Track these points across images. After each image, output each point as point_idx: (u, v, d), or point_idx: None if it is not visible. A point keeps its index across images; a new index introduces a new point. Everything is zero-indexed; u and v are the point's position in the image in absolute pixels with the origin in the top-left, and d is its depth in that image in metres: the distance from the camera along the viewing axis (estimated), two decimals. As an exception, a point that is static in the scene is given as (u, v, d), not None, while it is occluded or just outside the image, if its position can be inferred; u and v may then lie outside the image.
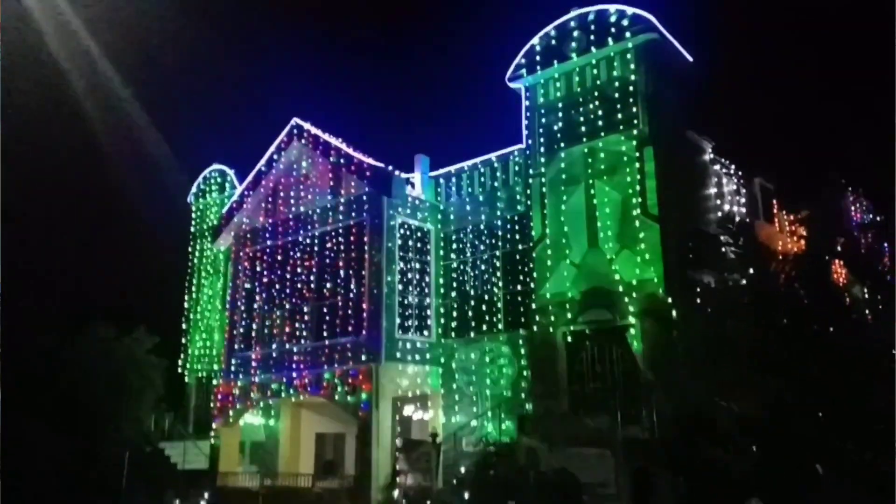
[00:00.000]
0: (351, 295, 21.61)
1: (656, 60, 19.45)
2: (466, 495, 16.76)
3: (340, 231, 22.40)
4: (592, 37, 19.94)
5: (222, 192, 29.38)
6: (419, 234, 22.69)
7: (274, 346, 23.24)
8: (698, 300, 17.35)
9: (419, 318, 22.01)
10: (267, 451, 24.38)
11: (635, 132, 18.86)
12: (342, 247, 22.25)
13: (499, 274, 21.69)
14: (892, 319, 17.12)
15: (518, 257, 21.34)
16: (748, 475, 13.81)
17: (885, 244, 25.14)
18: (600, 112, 19.57)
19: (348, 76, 70.83)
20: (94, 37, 24.07)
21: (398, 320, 21.23)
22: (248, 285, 24.70)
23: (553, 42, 20.67)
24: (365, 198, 22.01)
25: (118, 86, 28.49)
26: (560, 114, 20.38)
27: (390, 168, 21.78)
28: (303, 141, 23.95)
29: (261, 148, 25.14)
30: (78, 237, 38.32)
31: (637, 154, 18.64)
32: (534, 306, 19.88)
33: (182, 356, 28.56)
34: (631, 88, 19.22)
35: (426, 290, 22.45)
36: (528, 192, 20.94)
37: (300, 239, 23.42)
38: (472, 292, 22.09)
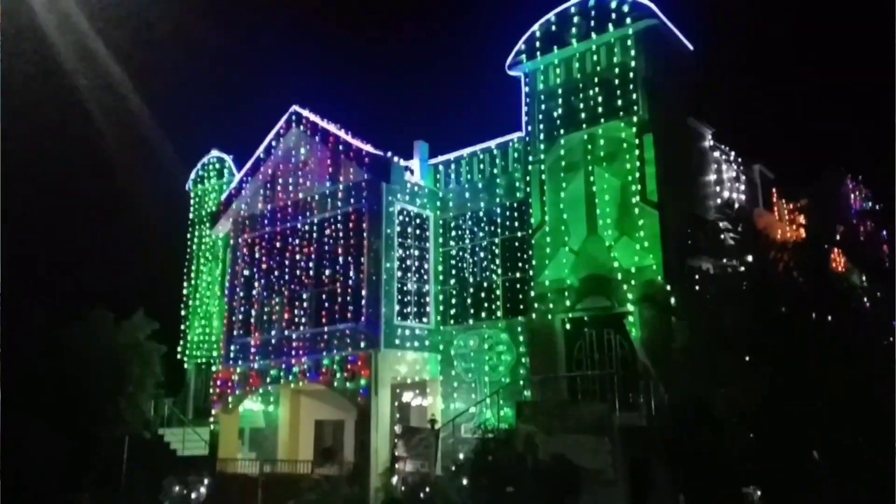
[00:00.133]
0: (350, 281, 21.61)
1: (656, 47, 19.38)
2: (465, 481, 16.80)
3: (339, 217, 22.37)
4: (593, 23, 19.86)
5: (221, 178, 29.36)
6: (418, 221, 22.66)
7: (273, 332, 23.27)
8: (697, 287, 17.35)
9: (418, 305, 22.03)
10: (266, 437, 24.48)
11: (635, 119, 18.81)
12: (341, 233, 22.23)
13: (498, 261, 21.68)
14: (891, 307, 17.12)
15: (517, 244, 21.34)
16: (745, 463, 13.84)
17: (885, 232, 25.12)
18: (600, 98, 19.51)
19: (348, 62, 70.51)
20: (91, 22, 23.91)
21: (397, 307, 21.24)
22: (246, 272, 24.70)
23: (553, 28, 20.57)
24: (364, 184, 21.96)
25: (116, 72, 28.34)
26: (560, 100, 20.32)
27: (389, 155, 21.72)
28: (301, 128, 23.87)
29: (259, 134, 25.13)
30: (76, 223, 38.29)
31: (637, 141, 18.60)
32: (532, 293, 19.89)
33: (181, 342, 28.62)
34: (631, 75, 19.15)
35: (425, 277, 22.45)
36: (528, 178, 20.91)
37: (299, 225, 23.39)
38: (471, 279, 22.10)
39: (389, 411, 20.56)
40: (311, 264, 22.76)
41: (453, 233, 22.82)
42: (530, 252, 20.38)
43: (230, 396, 23.77)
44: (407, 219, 22.27)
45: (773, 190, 23.93)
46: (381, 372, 20.35)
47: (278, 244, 23.90)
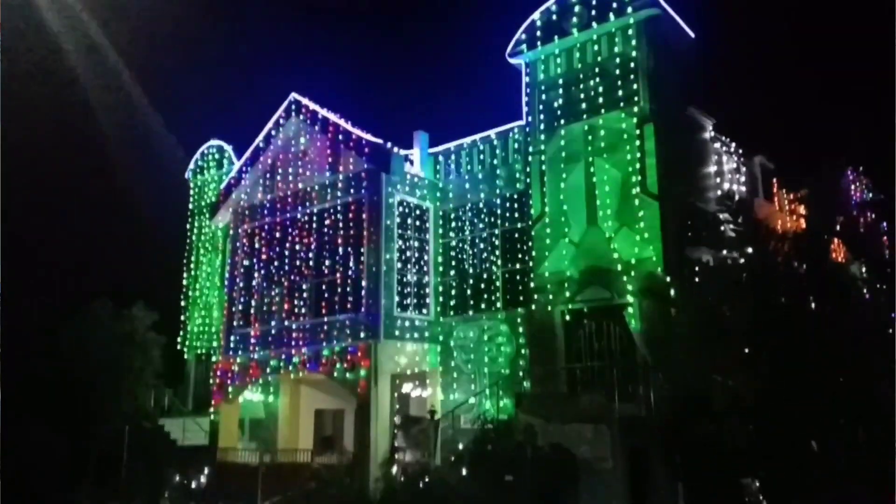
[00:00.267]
0: (350, 272, 21.59)
1: (658, 37, 19.27)
2: (464, 471, 16.86)
3: (339, 208, 22.32)
4: (594, 12, 19.75)
5: (220, 168, 29.25)
6: (418, 212, 22.62)
7: (273, 322, 23.27)
8: (697, 279, 17.34)
9: (418, 296, 22.02)
10: (266, 427, 24.50)
11: (636, 109, 18.73)
12: (341, 224, 22.18)
13: (497, 252, 21.65)
14: (890, 298, 17.15)
15: (517, 235, 21.30)
16: (743, 454, 13.87)
17: (884, 223, 25.12)
18: (601, 89, 19.43)
19: (348, 51, 70.25)
20: (90, 13, 23.82)
21: (397, 298, 21.23)
22: (246, 262, 24.67)
23: (554, 17, 20.46)
24: (363, 174, 21.91)
25: (115, 62, 28.24)
26: (560, 90, 20.24)
27: (389, 145, 21.65)
28: (301, 117, 23.77)
29: (259, 123, 24.96)
30: (76, 214, 38.25)
31: (637, 131, 18.53)
32: (532, 284, 19.88)
33: (181, 333, 28.64)
34: (632, 65, 19.06)
35: (425, 268, 22.43)
36: (528, 169, 20.85)
37: (298, 216, 23.34)
38: (471, 270, 22.07)
39: (389, 402, 20.59)
40: (310, 255, 22.73)
41: (453, 224, 22.77)
42: (530, 243, 20.35)
43: (230, 387, 23.79)
44: (407, 210, 22.23)
45: (774, 180, 23.88)
46: (380, 362, 20.38)
47: (278, 234, 23.86)
